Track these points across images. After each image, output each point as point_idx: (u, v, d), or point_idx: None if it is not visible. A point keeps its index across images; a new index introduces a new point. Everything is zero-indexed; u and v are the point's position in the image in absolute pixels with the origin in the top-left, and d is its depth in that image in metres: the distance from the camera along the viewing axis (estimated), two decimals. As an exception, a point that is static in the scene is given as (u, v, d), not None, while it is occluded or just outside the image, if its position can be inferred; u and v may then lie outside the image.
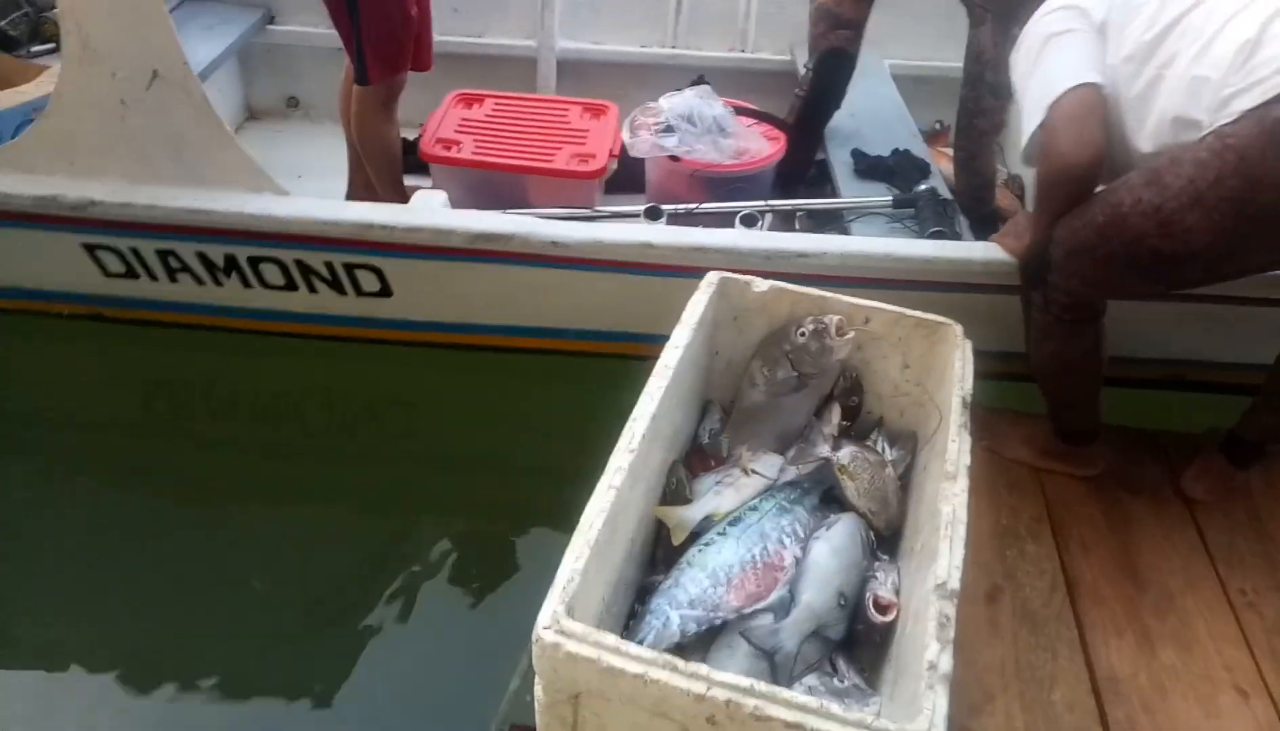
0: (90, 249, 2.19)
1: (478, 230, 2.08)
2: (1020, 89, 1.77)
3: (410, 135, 2.77)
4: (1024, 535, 1.87)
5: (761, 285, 1.67)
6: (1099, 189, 1.68)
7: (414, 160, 2.71)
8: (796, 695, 1.01)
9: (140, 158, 2.08)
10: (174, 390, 2.50)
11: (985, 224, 2.45)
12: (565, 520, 2.05)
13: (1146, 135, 1.63)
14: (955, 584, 1.17)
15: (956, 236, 2.24)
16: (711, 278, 1.66)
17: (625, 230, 2.11)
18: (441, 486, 2.27)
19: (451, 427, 2.40)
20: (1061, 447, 1.98)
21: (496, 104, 2.79)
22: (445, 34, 2.98)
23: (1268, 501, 1.97)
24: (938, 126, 3.14)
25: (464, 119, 2.71)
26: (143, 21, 1.93)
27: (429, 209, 2.15)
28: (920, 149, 2.71)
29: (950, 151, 2.92)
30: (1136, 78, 1.63)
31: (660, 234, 2.10)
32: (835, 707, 1.01)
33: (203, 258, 2.18)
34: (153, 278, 2.23)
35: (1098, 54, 1.68)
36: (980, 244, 2.10)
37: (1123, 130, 1.67)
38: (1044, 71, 1.70)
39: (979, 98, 2.33)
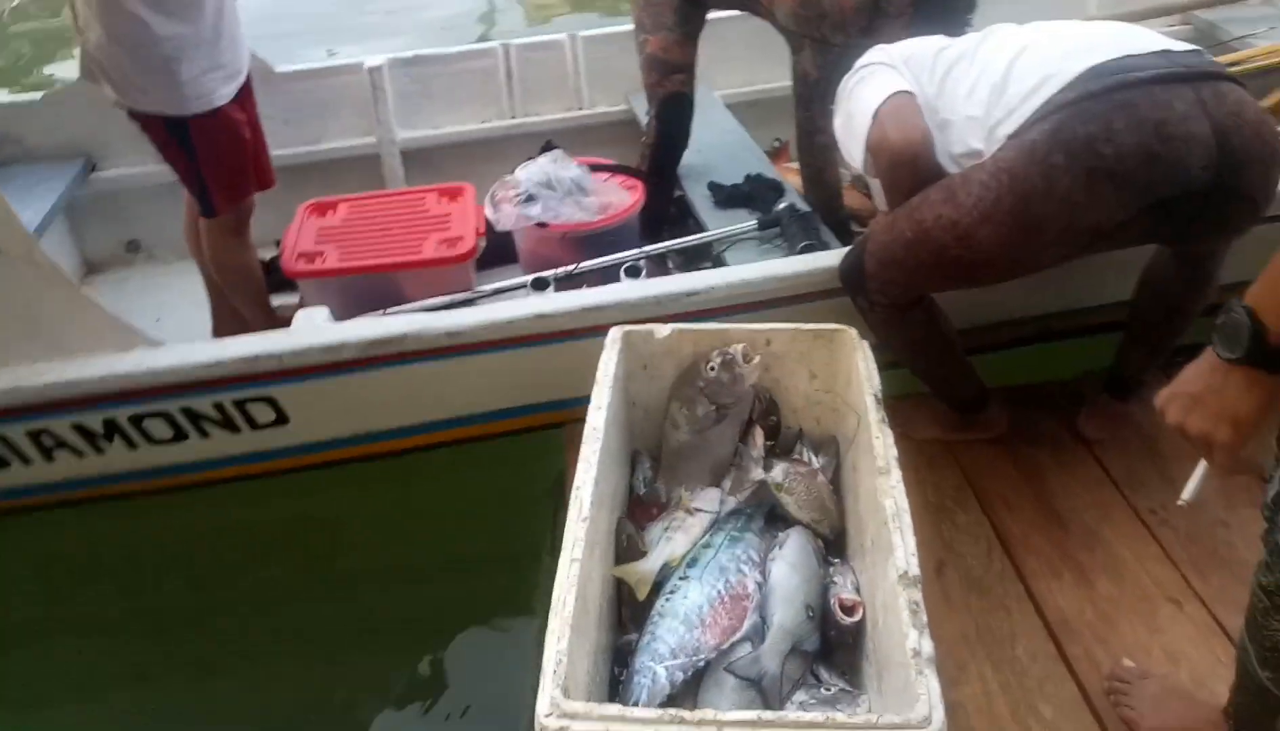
0: None
1: (369, 338, 2.04)
2: (841, 135, 1.95)
3: (266, 254, 2.73)
4: (952, 507, 1.98)
5: (663, 331, 1.72)
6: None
7: (276, 279, 2.66)
8: (803, 715, 1.04)
9: None
10: (68, 574, 2.34)
11: (841, 229, 2.60)
12: (517, 601, 2.05)
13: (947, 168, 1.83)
14: (916, 570, 1.23)
15: (825, 245, 2.36)
16: (615, 333, 1.70)
17: (517, 306, 2.11)
18: (383, 602, 2.20)
19: (376, 541, 2.34)
20: (960, 418, 2.10)
21: (350, 207, 2.77)
22: (282, 147, 2.95)
23: (1151, 418, 2.12)
24: (777, 143, 3.29)
25: (321, 228, 2.67)
26: None
27: (313, 328, 2.09)
28: (769, 170, 2.84)
29: (795, 166, 3.09)
30: (931, 124, 1.82)
31: (552, 303, 2.11)
32: (841, 716, 1.04)
33: (79, 429, 2.05)
34: (25, 461, 2.08)
35: (900, 77, 1.86)
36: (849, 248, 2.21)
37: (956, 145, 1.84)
38: (858, 102, 1.87)
39: (813, 117, 2.48)
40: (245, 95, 2.36)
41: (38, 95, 2.99)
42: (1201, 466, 1.17)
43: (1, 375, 1.96)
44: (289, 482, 2.27)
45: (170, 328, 2.73)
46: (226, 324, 2.66)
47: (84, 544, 2.34)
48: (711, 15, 2.70)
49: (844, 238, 2.51)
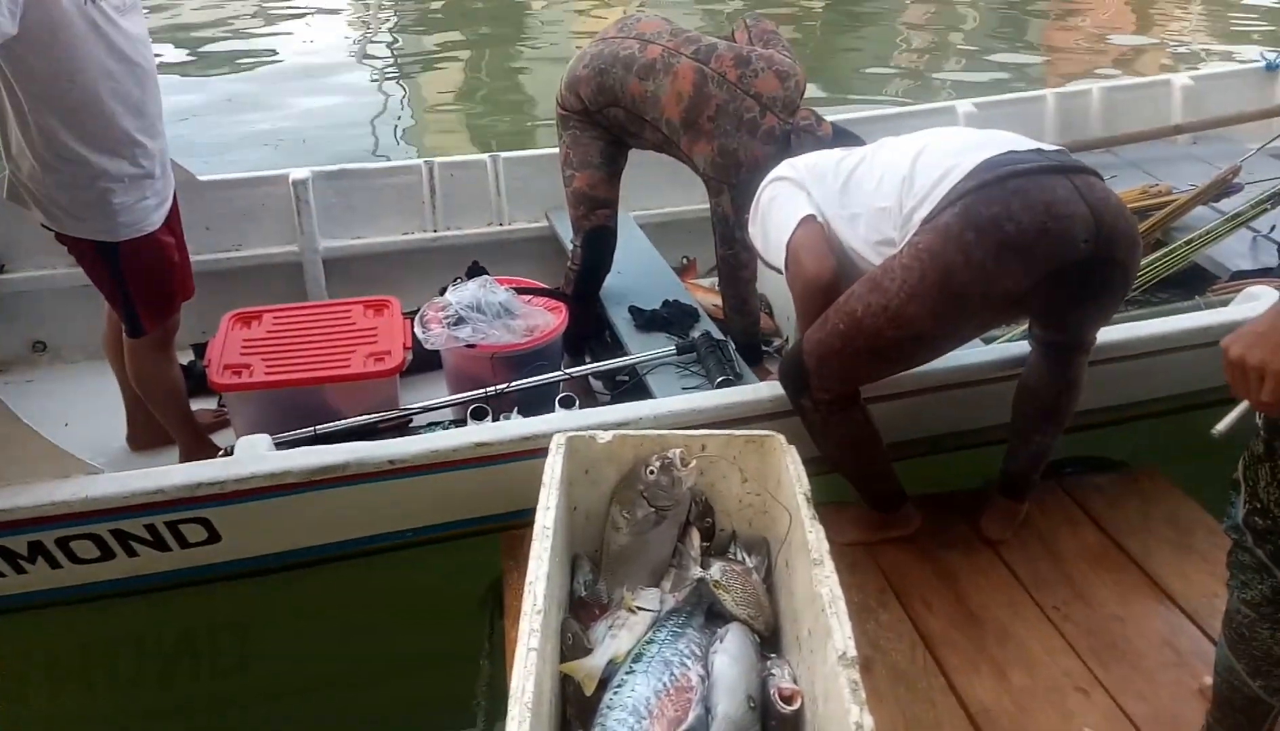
0: None
1: (313, 466, 2.03)
2: (760, 246, 2.19)
3: (183, 359, 2.69)
4: (876, 607, 2.07)
5: (605, 437, 1.79)
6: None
7: (194, 383, 2.63)
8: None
9: None
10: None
11: (756, 352, 2.81)
12: (454, 707, 2.01)
13: (860, 258, 2.03)
14: (854, 652, 1.31)
15: (740, 377, 2.49)
16: (559, 440, 1.76)
17: (458, 435, 2.15)
18: (318, 709, 2.15)
19: (308, 648, 2.29)
20: (881, 517, 2.23)
21: (275, 318, 2.75)
22: (202, 252, 2.95)
23: (1047, 523, 2.31)
24: (685, 261, 3.48)
25: (246, 340, 2.64)
26: None
27: (257, 456, 2.06)
28: (685, 295, 2.97)
29: (702, 283, 3.29)
30: (838, 220, 2.06)
31: (492, 432, 2.15)
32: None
33: (3, 551, 1.97)
34: None
35: (806, 197, 2.10)
36: (764, 384, 2.34)
37: (843, 255, 2.06)
38: (773, 222, 2.10)
39: (736, 254, 2.67)
40: (173, 216, 2.36)
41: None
42: (1243, 405, 1.26)
43: None
44: (217, 591, 2.21)
45: (80, 431, 2.64)
46: (140, 431, 2.60)
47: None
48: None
49: (756, 361, 2.69)
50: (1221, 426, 1.29)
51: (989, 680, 1.88)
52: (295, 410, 2.41)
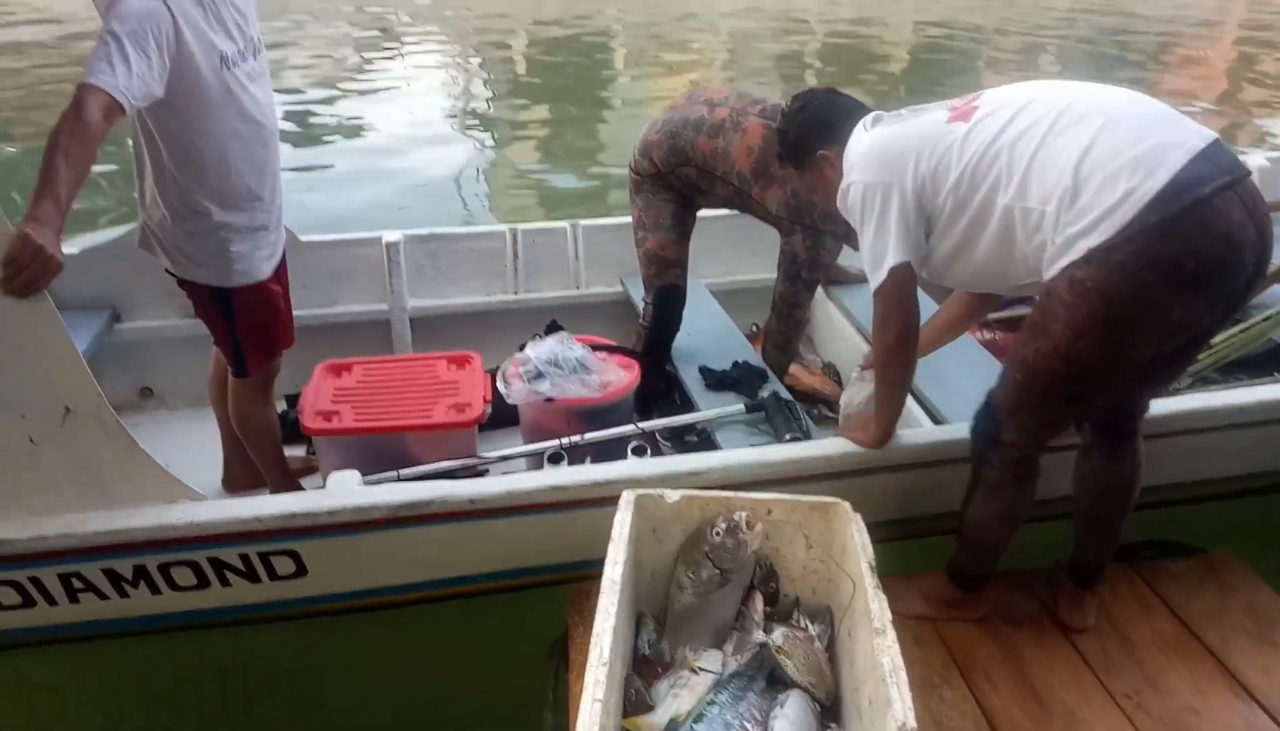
0: None
1: (399, 502, 2.13)
2: (859, 231, 2.08)
3: (278, 407, 2.84)
4: (939, 683, 2.05)
5: (673, 496, 1.85)
6: None
7: (286, 432, 2.77)
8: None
9: (50, 490, 2.02)
10: (59, 701, 2.34)
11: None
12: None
13: (986, 246, 1.95)
14: (914, 723, 1.32)
15: (807, 435, 2.54)
16: (628, 496, 1.83)
17: (535, 477, 2.24)
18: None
19: (381, 689, 2.36)
20: (956, 597, 2.22)
21: (365, 369, 2.90)
22: (298, 308, 3.11)
23: (1119, 607, 2.27)
24: (754, 328, 3.55)
25: (337, 388, 2.79)
26: (54, 363, 1.92)
27: (347, 490, 2.18)
28: (754, 358, 3.04)
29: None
30: (968, 204, 1.93)
31: (567, 476, 2.23)
32: None
33: (109, 573, 2.10)
34: (51, 603, 2.12)
35: (916, 227, 2.00)
36: (833, 440, 2.36)
37: (961, 246, 1.99)
38: (879, 235, 2.01)
39: (797, 293, 2.81)
40: (282, 269, 2.55)
41: (76, 249, 3.17)
42: None
43: (54, 521, 2.02)
44: (299, 628, 2.31)
45: (179, 472, 2.77)
46: (237, 473, 2.74)
47: (78, 674, 2.35)
48: (703, 214, 3.02)
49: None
50: None
51: (1054, 765, 1.86)
52: (380, 456, 2.52)
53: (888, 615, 1.57)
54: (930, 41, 13.39)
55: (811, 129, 2.23)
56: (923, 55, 12.51)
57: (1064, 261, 1.79)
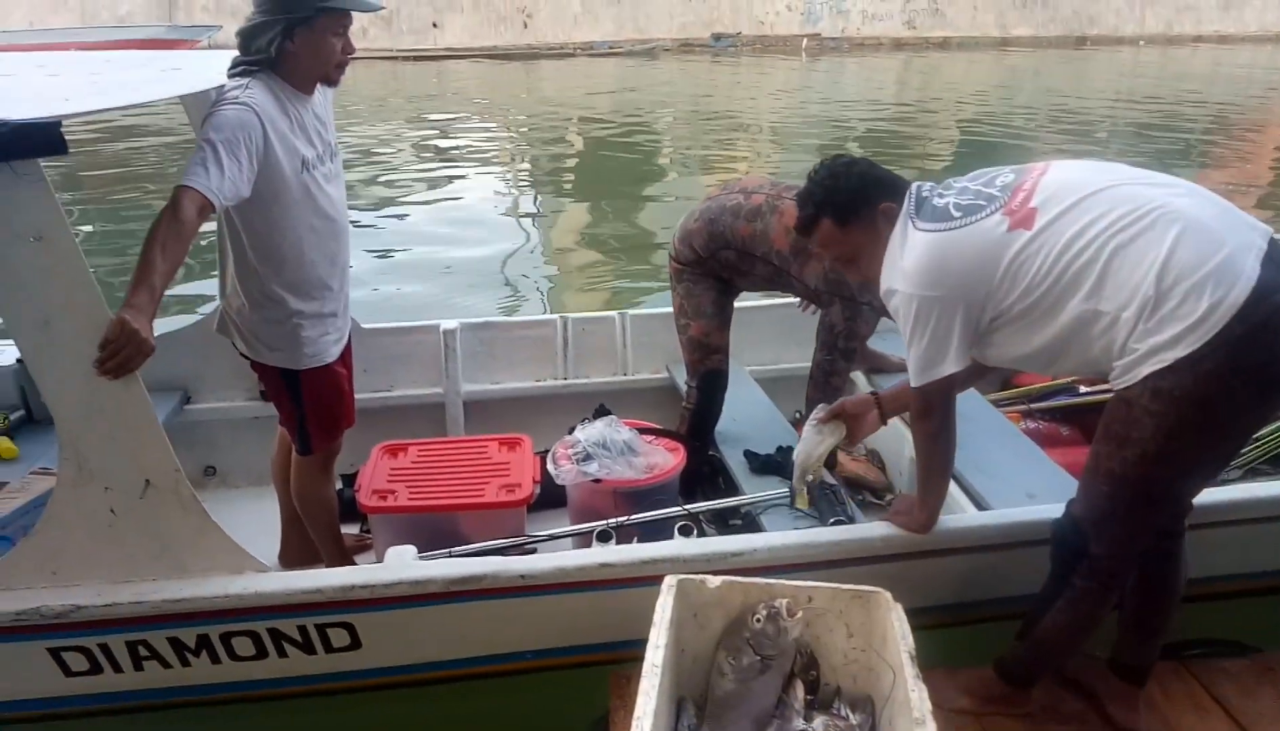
0: (55, 652, 2.17)
1: (453, 576, 2.21)
2: (908, 336, 2.05)
3: (336, 485, 2.95)
4: (983, 779, 2.03)
5: (714, 582, 1.89)
6: None
7: (343, 510, 2.87)
8: None
9: (124, 559, 2.13)
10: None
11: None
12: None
13: (1044, 341, 1.96)
14: (955, 818, 1.33)
15: (851, 519, 2.56)
16: (670, 581, 1.87)
17: (584, 555, 2.31)
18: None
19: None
20: (1002, 692, 2.20)
21: (420, 450, 3.02)
22: (359, 391, 3.24)
23: (1171, 708, 2.23)
24: (798, 415, 3.58)
25: (392, 468, 2.91)
26: (137, 439, 2.05)
27: (404, 564, 2.27)
28: (797, 441, 3.09)
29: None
30: (1035, 309, 1.94)
31: (615, 554, 2.30)
32: None
33: (174, 641, 2.19)
34: (117, 669, 2.21)
35: (970, 339, 2.01)
36: (877, 524, 2.39)
37: (1018, 341, 2.00)
38: (934, 345, 2.00)
39: (834, 361, 2.91)
40: (347, 352, 2.70)
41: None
42: None
43: (126, 589, 2.13)
44: (351, 702, 2.38)
45: (239, 547, 2.92)
46: (293, 549, 2.84)
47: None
48: (744, 303, 3.14)
49: None
50: None
51: None
52: (433, 535, 2.60)
53: (927, 706, 1.58)
54: (974, 125, 13.59)
55: (867, 183, 2.15)
56: (969, 138, 12.69)
57: (1145, 370, 1.83)
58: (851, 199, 2.15)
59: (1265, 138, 12.93)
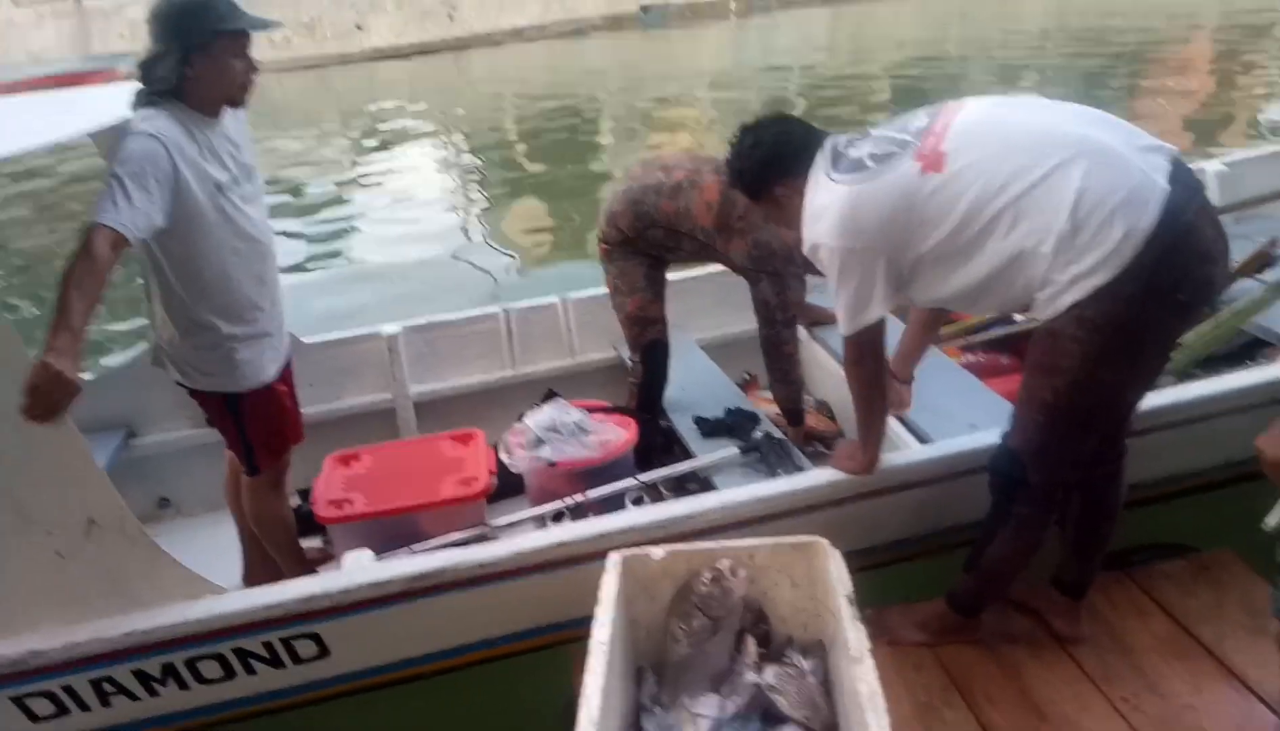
0: (19, 700, 2.18)
1: (413, 573, 2.24)
2: (834, 287, 2.11)
3: (291, 503, 2.95)
4: (939, 705, 2.11)
5: (658, 553, 1.94)
6: None
7: (302, 525, 2.88)
8: None
9: (77, 600, 2.14)
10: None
11: (799, 415, 3.13)
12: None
13: (969, 280, 1.99)
14: (889, 747, 1.39)
15: (800, 469, 2.62)
16: (614, 557, 1.92)
17: (541, 536, 2.35)
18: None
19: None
20: (954, 623, 2.28)
21: (372, 456, 3.02)
22: (306, 406, 3.23)
23: (1116, 615, 2.32)
24: (747, 377, 3.64)
25: (346, 477, 2.91)
26: (75, 479, 2.05)
27: (361, 567, 2.30)
28: (745, 403, 3.16)
29: (765, 394, 3.44)
30: (953, 249, 1.97)
31: (571, 532, 2.34)
32: None
33: (139, 674, 2.21)
34: (84, 708, 2.22)
35: (893, 284, 2.06)
36: (824, 471, 2.46)
37: (943, 282, 2.04)
38: (858, 294, 2.06)
39: (777, 333, 2.97)
40: (287, 370, 2.71)
41: (89, 375, 3.34)
42: None
43: (84, 628, 2.14)
44: (327, 710, 2.41)
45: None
46: (256, 569, 2.85)
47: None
48: (682, 275, 3.18)
49: (799, 422, 3.07)
50: (1272, 519, 1.37)
51: (1056, 775, 1.90)
52: (393, 538, 2.63)
53: (865, 644, 1.64)
54: (909, 72, 13.66)
55: (765, 167, 2.21)
56: (904, 85, 12.76)
57: (1068, 300, 1.88)
58: (753, 182, 2.26)
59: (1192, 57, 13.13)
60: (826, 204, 2.07)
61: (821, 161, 2.13)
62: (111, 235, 2.04)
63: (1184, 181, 1.87)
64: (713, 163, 2.91)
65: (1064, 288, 1.88)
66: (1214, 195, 3.83)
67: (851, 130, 2.21)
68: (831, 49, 17.33)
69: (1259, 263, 3.18)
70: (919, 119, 2.07)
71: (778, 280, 2.89)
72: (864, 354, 2.18)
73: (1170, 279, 1.84)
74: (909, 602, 2.38)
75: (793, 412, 3.12)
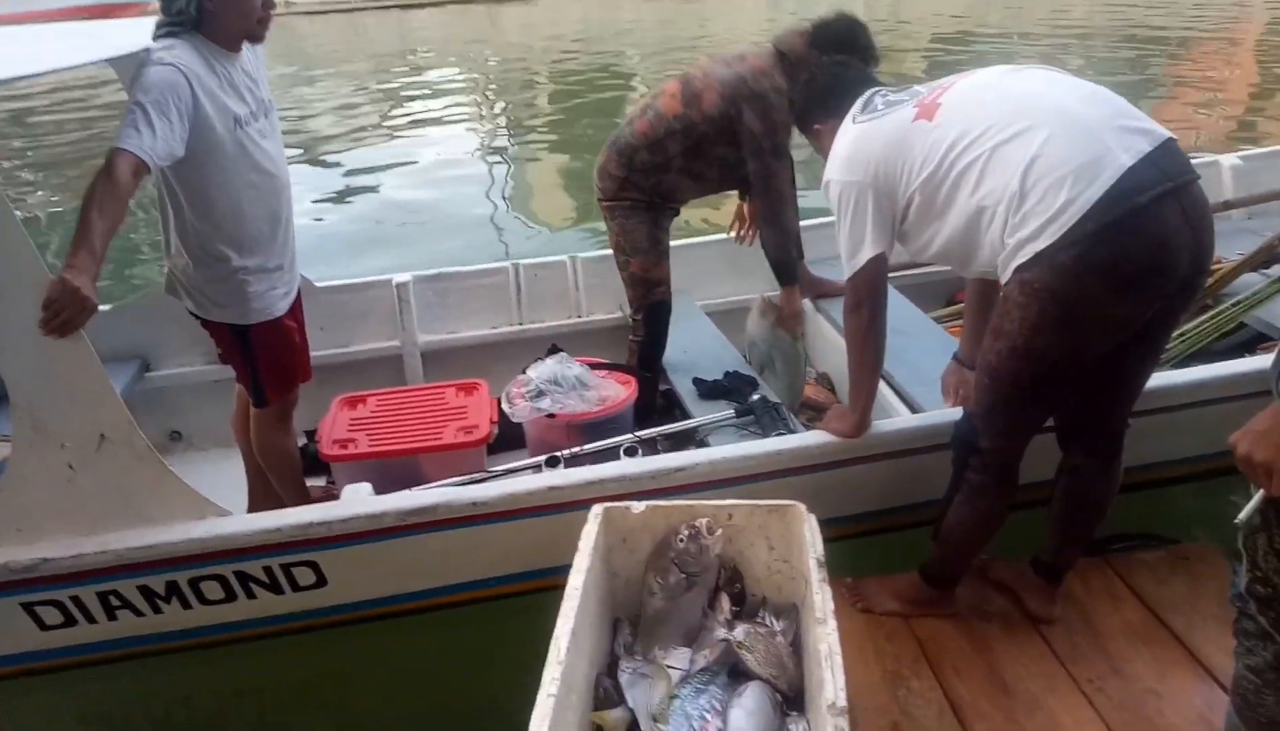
0: (28, 607, 2.28)
1: (407, 507, 2.32)
2: (837, 225, 2.20)
3: (299, 441, 3.03)
4: (907, 675, 2.16)
5: (639, 507, 1.99)
6: None
7: (307, 464, 2.96)
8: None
9: (87, 512, 2.23)
10: (110, 725, 2.55)
11: (790, 270, 3.09)
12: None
13: (952, 234, 2.03)
14: (843, 702, 1.45)
15: (792, 432, 2.66)
16: (596, 510, 1.98)
17: (533, 480, 2.41)
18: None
19: (394, 694, 2.54)
20: (929, 595, 2.32)
21: (379, 400, 3.11)
22: (316, 349, 3.31)
23: (1090, 598, 2.35)
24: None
25: (353, 419, 3.00)
26: (88, 395, 2.13)
27: (359, 499, 2.38)
28: (744, 368, 3.20)
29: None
30: (934, 199, 2.03)
31: (563, 477, 2.41)
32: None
33: (144, 589, 2.30)
34: (91, 621, 2.32)
35: (887, 221, 2.12)
36: (812, 433, 2.51)
37: (932, 233, 2.08)
38: (854, 229, 2.14)
39: (766, 165, 2.93)
40: (297, 306, 2.77)
41: (107, 306, 3.42)
42: (1260, 495, 1.35)
43: (92, 539, 2.24)
44: (320, 638, 2.50)
45: (208, 507, 3.01)
46: (260, 502, 2.94)
47: (126, 698, 2.56)
48: (689, 240, 3.23)
49: (792, 279, 3.09)
50: (1244, 515, 1.39)
51: (1014, 749, 1.95)
52: (395, 479, 2.68)
53: (830, 607, 1.69)
54: (948, 42, 13.43)
55: (810, 103, 2.39)
56: (940, 57, 12.55)
57: (1014, 263, 1.90)
58: (799, 114, 2.46)
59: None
60: (841, 144, 2.19)
61: (855, 107, 2.23)
62: (134, 161, 2.10)
63: (1160, 165, 1.83)
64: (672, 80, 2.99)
65: (1012, 251, 1.90)
66: (1227, 189, 3.80)
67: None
68: (869, 16, 17.02)
69: (1264, 256, 3.17)
70: (945, 79, 2.15)
71: (758, 103, 2.83)
72: (861, 299, 2.20)
73: (1108, 254, 1.80)
74: (885, 576, 2.43)
75: (782, 265, 3.07)
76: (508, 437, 3.05)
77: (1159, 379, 2.53)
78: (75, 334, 2.05)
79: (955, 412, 2.46)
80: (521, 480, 2.44)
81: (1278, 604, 1.42)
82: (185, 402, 3.45)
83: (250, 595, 2.38)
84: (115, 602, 2.31)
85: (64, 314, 2.00)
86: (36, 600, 2.28)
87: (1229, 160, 3.88)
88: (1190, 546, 2.52)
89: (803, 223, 3.33)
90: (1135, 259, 1.83)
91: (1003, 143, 1.91)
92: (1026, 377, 1.99)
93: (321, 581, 2.40)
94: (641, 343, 3.17)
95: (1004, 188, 1.89)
